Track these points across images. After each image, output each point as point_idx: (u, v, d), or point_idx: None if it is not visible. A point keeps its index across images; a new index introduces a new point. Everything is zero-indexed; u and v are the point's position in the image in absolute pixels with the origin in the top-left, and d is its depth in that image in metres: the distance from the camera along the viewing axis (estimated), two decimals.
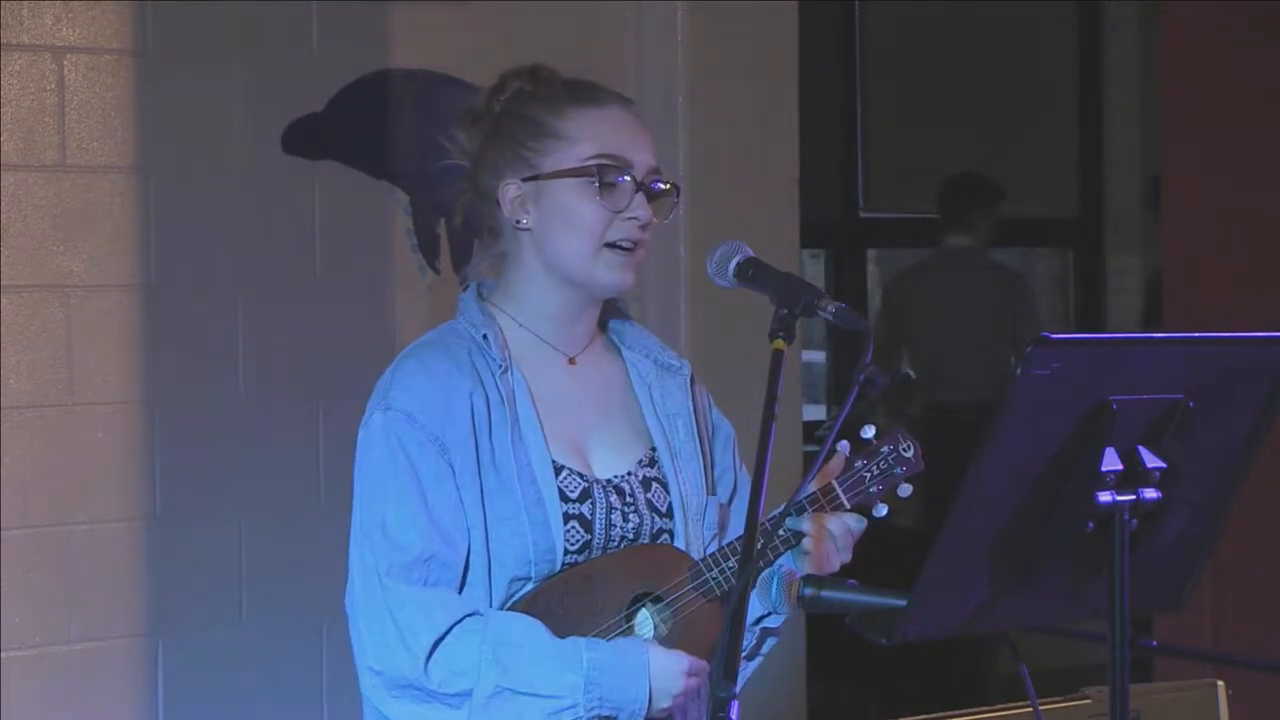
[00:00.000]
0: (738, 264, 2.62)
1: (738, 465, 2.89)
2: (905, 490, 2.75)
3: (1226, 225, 5.97)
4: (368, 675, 2.62)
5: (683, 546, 2.74)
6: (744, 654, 2.79)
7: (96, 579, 4.35)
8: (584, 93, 2.75)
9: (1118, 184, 7.90)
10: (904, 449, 2.74)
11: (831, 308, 2.50)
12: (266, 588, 4.54)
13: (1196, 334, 2.26)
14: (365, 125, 4.74)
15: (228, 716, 4.51)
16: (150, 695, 4.42)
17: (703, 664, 2.66)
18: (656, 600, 2.69)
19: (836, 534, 2.68)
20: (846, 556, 2.70)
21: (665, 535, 2.75)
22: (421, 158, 4.77)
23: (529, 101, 2.75)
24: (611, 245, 2.70)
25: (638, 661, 2.60)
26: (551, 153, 2.71)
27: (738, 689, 2.77)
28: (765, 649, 2.83)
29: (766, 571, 2.62)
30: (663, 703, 2.62)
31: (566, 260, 2.71)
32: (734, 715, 2.15)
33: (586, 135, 2.71)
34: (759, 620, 2.76)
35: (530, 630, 2.60)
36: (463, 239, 4.81)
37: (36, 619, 4.28)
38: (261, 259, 4.58)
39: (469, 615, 2.60)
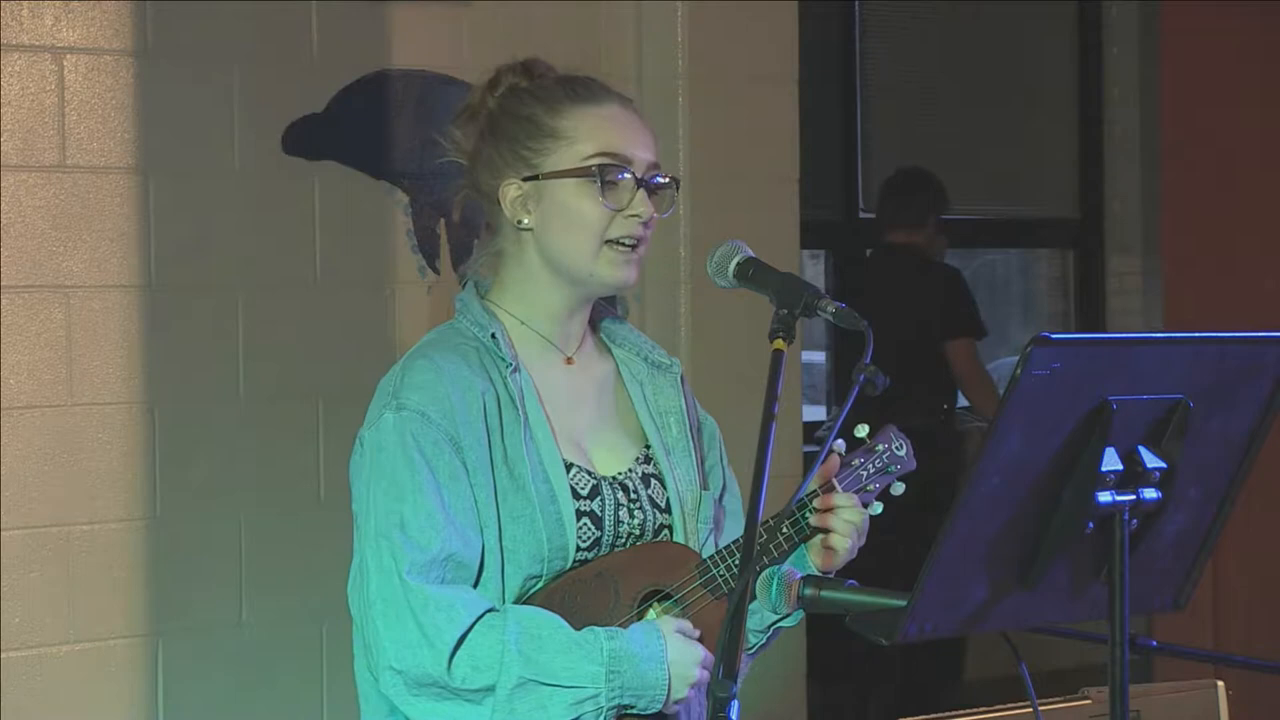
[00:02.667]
0: (738, 264, 2.62)
1: (724, 463, 2.90)
2: (898, 488, 2.76)
3: (1226, 225, 5.97)
4: (387, 675, 2.61)
5: (681, 541, 2.75)
6: (750, 652, 2.80)
7: (96, 579, 4.35)
8: (581, 90, 2.74)
9: (1118, 184, 7.90)
10: (897, 448, 2.76)
11: (831, 308, 2.50)
12: (266, 588, 4.54)
13: (1196, 334, 2.25)
14: (365, 125, 4.74)
15: (227, 716, 4.51)
16: (150, 695, 4.42)
17: (713, 658, 2.67)
18: (665, 597, 2.70)
19: (855, 521, 2.69)
20: (862, 540, 2.72)
21: (665, 531, 2.76)
22: (421, 158, 4.78)
23: (525, 100, 2.74)
24: (613, 242, 2.70)
25: (656, 648, 2.62)
26: (551, 152, 2.71)
27: (737, 686, 2.78)
28: (770, 645, 2.84)
29: (766, 572, 2.62)
30: (680, 692, 2.63)
31: (568, 259, 2.72)
32: (734, 715, 2.15)
33: (585, 134, 2.71)
34: (774, 624, 2.77)
35: (550, 623, 2.61)
36: (462, 238, 4.81)
37: (36, 619, 4.28)
38: (261, 259, 4.58)
39: (489, 611, 2.60)
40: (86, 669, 4.34)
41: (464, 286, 2.82)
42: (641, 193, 2.71)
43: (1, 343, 4.25)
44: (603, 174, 2.69)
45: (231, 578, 4.52)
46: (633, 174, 2.70)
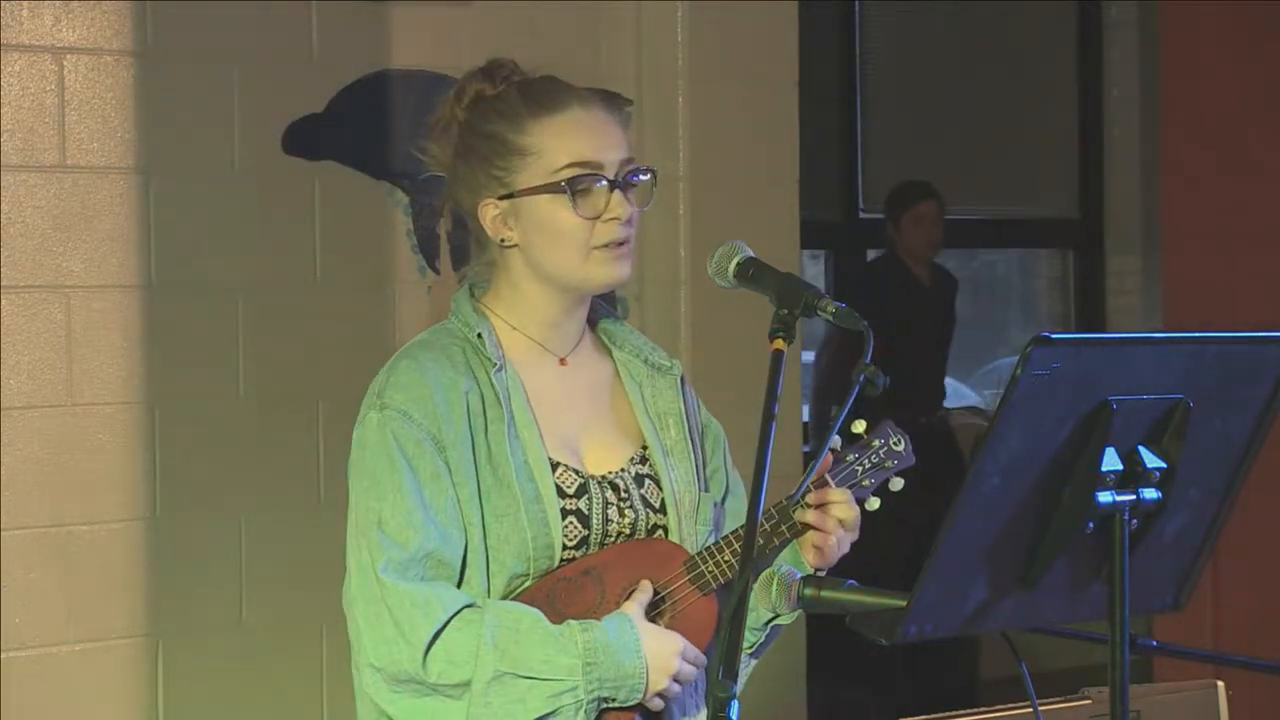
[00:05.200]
0: (738, 264, 2.62)
1: (729, 465, 2.89)
2: (897, 484, 2.76)
3: (1226, 225, 5.97)
4: (368, 672, 2.63)
5: (677, 542, 2.75)
6: (751, 652, 2.80)
7: (96, 579, 4.35)
8: (542, 99, 2.72)
9: (1118, 184, 7.90)
10: (895, 443, 2.76)
11: (831, 308, 2.50)
12: (266, 588, 4.54)
13: (1196, 334, 2.26)
14: (365, 125, 4.74)
15: (227, 717, 4.51)
16: (150, 695, 4.42)
17: (699, 654, 2.67)
18: (631, 597, 2.70)
19: (846, 519, 2.69)
20: (855, 536, 2.72)
21: (660, 531, 2.76)
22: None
23: (489, 115, 2.72)
24: (599, 247, 2.70)
25: (630, 638, 2.62)
26: (521, 170, 2.70)
27: (740, 685, 2.78)
28: (771, 645, 2.84)
29: (765, 572, 2.62)
30: (660, 683, 2.63)
31: (558, 270, 2.72)
32: (734, 715, 2.15)
33: (551, 146, 2.69)
34: (771, 621, 2.77)
35: (528, 616, 2.62)
36: (462, 239, 4.80)
37: (36, 619, 4.28)
38: (261, 259, 4.58)
39: (466, 606, 2.61)
40: (86, 669, 4.34)
41: (461, 287, 2.82)
42: (617, 194, 2.70)
43: (1, 343, 4.25)
44: (573, 186, 2.68)
45: (231, 578, 4.52)
46: (603, 177, 2.70)
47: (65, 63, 4.34)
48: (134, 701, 4.40)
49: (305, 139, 4.64)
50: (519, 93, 2.73)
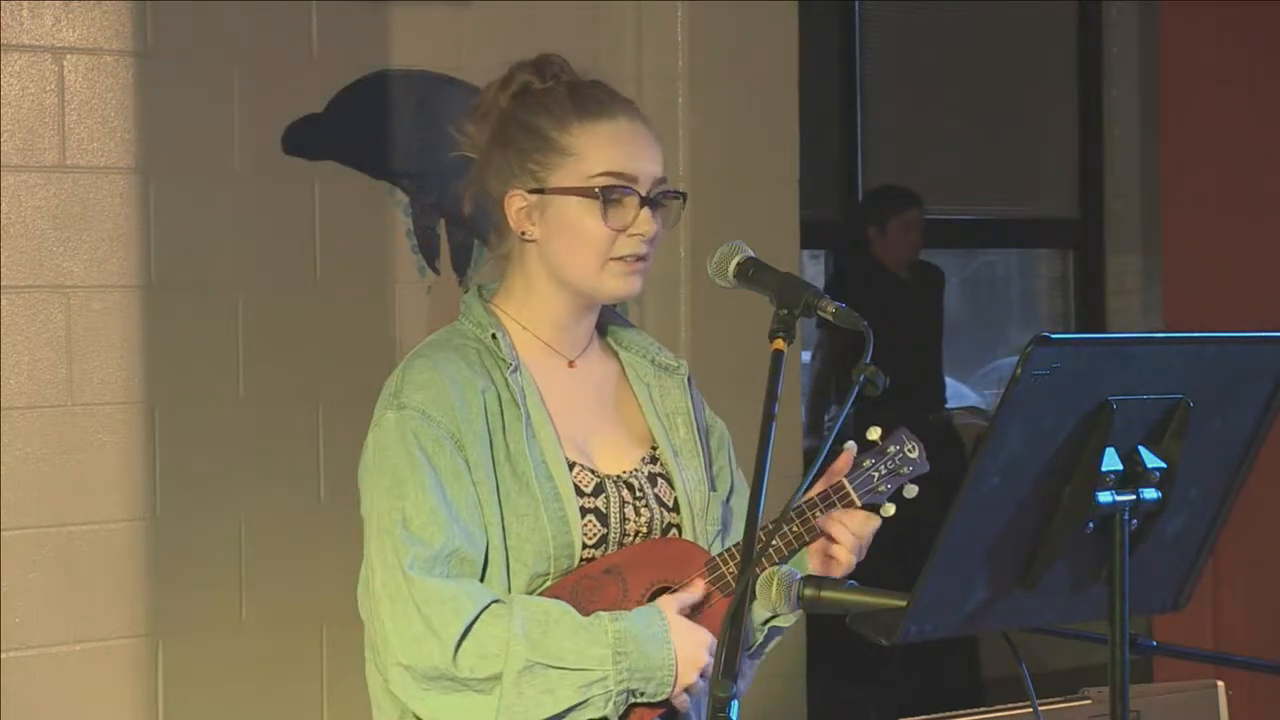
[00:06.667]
0: (738, 264, 2.62)
1: (733, 465, 2.90)
2: (912, 491, 2.76)
3: (1226, 225, 5.96)
4: (395, 671, 2.62)
5: (692, 541, 2.75)
6: (749, 652, 2.80)
7: (96, 579, 4.35)
8: (590, 104, 2.72)
9: (1118, 184, 7.90)
10: (909, 450, 2.76)
11: (831, 308, 2.50)
12: (266, 588, 4.55)
13: (1196, 334, 2.26)
14: (365, 125, 4.74)
15: (228, 717, 4.51)
16: (150, 696, 4.42)
17: None
18: (674, 594, 2.71)
19: (863, 535, 2.70)
20: (862, 555, 2.72)
21: (674, 530, 2.77)
22: (421, 158, 4.77)
23: (534, 109, 2.73)
24: (617, 259, 2.71)
25: (659, 628, 2.62)
26: (557, 168, 2.70)
27: (744, 687, 2.79)
28: (770, 646, 2.84)
29: (766, 572, 2.62)
30: (689, 676, 2.62)
31: (572, 273, 2.72)
32: (734, 715, 2.15)
33: (592, 152, 2.70)
34: (768, 620, 2.77)
35: (557, 608, 2.62)
36: (462, 239, 4.81)
37: (36, 619, 4.28)
38: (261, 259, 4.58)
39: (495, 602, 2.61)
40: (86, 669, 4.34)
41: (466, 290, 2.83)
42: (645, 211, 2.71)
43: (1, 343, 4.25)
44: (606, 195, 2.69)
45: (231, 578, 4.52)
46: (636, 192, 2.70)
47: (65, 63, 4.34)
48: (134, 701, 4.40)
49: (305, 139, 4.64)
50: (568, 92, 2.74)
